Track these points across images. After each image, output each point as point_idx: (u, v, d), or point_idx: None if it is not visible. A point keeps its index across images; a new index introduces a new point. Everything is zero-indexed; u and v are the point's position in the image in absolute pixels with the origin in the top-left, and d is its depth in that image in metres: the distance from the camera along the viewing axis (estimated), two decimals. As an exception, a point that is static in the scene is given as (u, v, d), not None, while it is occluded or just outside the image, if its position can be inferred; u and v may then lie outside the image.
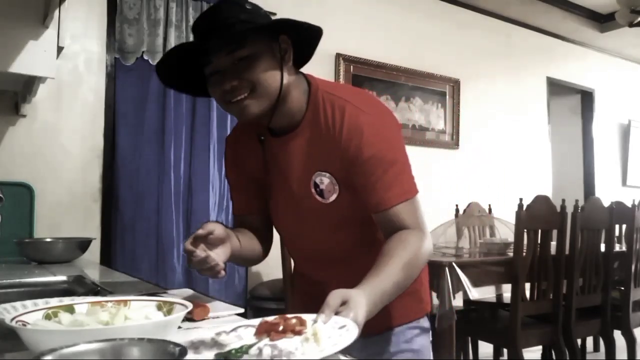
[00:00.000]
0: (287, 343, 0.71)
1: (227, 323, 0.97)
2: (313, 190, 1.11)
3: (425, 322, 1.26)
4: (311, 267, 1.27)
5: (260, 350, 0.70)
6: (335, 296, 0.81)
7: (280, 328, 0.73)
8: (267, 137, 1.15)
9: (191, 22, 3.10)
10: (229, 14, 1.02)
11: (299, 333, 0.73)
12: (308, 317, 0.77)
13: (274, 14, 3.23)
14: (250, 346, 0.71)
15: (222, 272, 0.98)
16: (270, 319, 0.79)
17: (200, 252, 0.96)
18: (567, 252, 2.65)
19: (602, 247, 2.90)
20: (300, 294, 1.38)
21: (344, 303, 0.80)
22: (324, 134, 1.07)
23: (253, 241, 1.19)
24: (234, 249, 1.05)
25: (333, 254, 1.18)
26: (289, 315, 0.77)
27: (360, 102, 1.08)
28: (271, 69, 1.03)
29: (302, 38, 1.09)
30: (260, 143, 1.16)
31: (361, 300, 0.83)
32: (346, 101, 1.07)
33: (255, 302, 3.09)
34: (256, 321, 0.80)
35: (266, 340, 0.73)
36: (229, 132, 3.14)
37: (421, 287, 1.25)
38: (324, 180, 1.09)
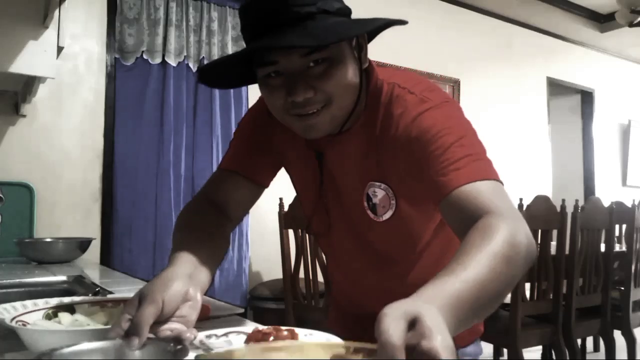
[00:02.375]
0: (275, 354, 0.71)
1: (227, 323, 0.97)
2: (365, 204, 0.92)
3: (471, 350, 1.04)
4: (351, 290, 1.09)
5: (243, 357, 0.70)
6: (393, 318, 0.48)
7: (271, 339, 0.73)
8: (326, 140, 0.90)
9: (192, 21, 3.10)
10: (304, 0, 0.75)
11: None
12: (301, 332, 0.75)
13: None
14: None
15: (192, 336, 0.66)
16: (263, 328, 0.79)
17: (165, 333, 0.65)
18: (567, 252, 2.65)
19: (602, 247, 2.89)
20: (341, 312, 1.18)
21: (410, 326, 0.49)
22: (381, 134, 0.87)
23: (220, 241, 0.91)
24: (205, 285, 0.77)
25: (378, 279, 1.00)
26: (282, 327, 0.76)
27: (422, 90, 0.87)
28: (352, 75, 0.82)
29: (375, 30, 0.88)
30: (317, 156, 0.94)
31: (434, 314, 0.51)
32: (408, 92, 0.86)
33: (256, 302, 3.09)
34: (250, 328, 0.80)
35: None
36: (232, 131, 3.17)
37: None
38: (378, 192, 0.90)
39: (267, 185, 1.02)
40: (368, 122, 0.88)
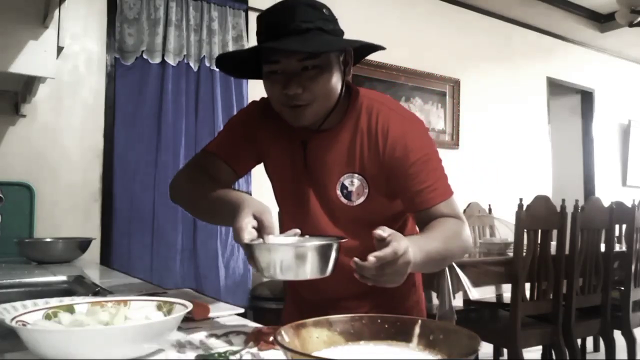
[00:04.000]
0: (273, 354, 0.71)
1: (227, 323, 0.97)
2: (339, 192, 1.12)
3: None
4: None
5: (241, 357, 0.70)
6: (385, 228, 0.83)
7: (271, 339, 0.73)
8: (311, 135, 1.13)
9: (192, 21, 3.10)
10: (307, 17, 0.99)
11: None
12: None
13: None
14: (234, 352, 0.71)
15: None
16: (264, 328, 0.79)
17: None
18: (567, 252, 2.65)
19: (602, 247, 2.89)
20: (301, 304, 1.31)
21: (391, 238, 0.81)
22: (364, 137, 1.10)
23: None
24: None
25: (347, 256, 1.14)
26: (282, 328, 0.76)
27: (400, 110, 1.13)
28: (335, 83, 1.05)
29: (362, 50, 1.12)
30: (302, 144, 1.14)
31: (412, 251, 0.84)
32: (389, 108, 1.11)
33: (256, 302, 3.09)
34: (250, 328, 0.80)
35: (253, 349, 0.73)
36: None
37: (419, 297, 1.28)
38: (354, 181, 1.11)
39: (241, 175, 1.23)
40: (352, 124, 1.11)
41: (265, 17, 1.03)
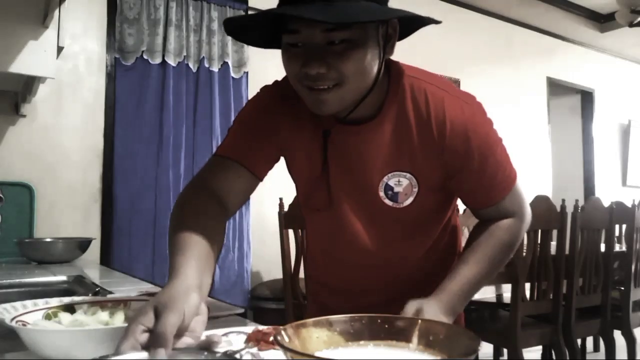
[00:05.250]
0: (273, 354, 0.71)
1: (227, 323, 0.97)
2: (382, 194, 0.95)
3: None
4: (347, 275, 1.07)
5: (241, 357, 0.70)
6: (412, 307, 0.81)
7: (271, 339, 0.73)
8: (333, 125, 0.94)
9: (191, 21, 3.10)
10: None
11: None
12: None
13: (274, 14, 3.23)
14: (234, 352, 0.71)
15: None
16: (263, 328, 0.79)
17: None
18: (567, 252, 2.65)
19: (602, 247, 2.89)
20: (317, 304, 1.18)
21: (417, 315, 0.80)
22: (412, 127, 0.91)
23: (219, 237, 0.90)
24: (206, 294, 0.75)
25: (386, 261, 1.03)
26: (282, 328, 0.76)
27: (455, 91, 0.94)
28: (370, 62, 0.82)
29: (411, 23, 0.90)
30: (324, 134, 0.95)
31: (434, 310, 0.83)
32: (442, 90, 0.92)
33: (256, 302, 3.09)
34: (250, 328, 0.80)
35: (253, 349, 0.73)
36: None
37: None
38: (402, 180, 0.93)
39: (262, 179, 1.00)
40: (395, 112, 0.91)
41: None
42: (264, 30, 0.88)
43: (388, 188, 0.94)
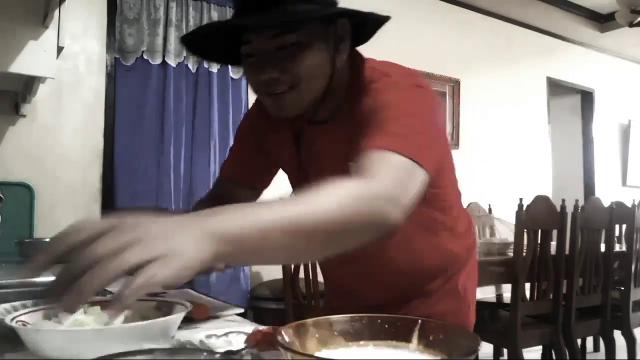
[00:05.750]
0: (273, 354, 0.71)
1: (227, 323, 0.97)
2: None
3: None
4: (342, 270, 1.10)
5: (241, 357, 0.70)
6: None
7: (271, 339, 0.73)
8: (304, 127, 0.97)
9: (191, 22, 3.11)
10: None
11: None
12: None
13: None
14: (234, 352, 0.71)
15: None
16: (263, 328, 0.79)
17: None
18: (567, 252, 2.65)
19: (602, 247, 2.89)
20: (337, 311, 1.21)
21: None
22: (363, 118, 0.87)
23: None
24: None
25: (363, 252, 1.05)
26: (282, 328, 0.76)
27: (403, 73, 0.88)
28: (321, 62, 0.85)
29: (364, 23, 0.91)
30: (296, 138, 0.99)
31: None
32: (387, 75, 0.87)
33: (256, 302, 3.09)
34: (250, 328, 0.80)
35: (253, 349, 0.73)
36: (230, 131, 3.17)
37: (467, 306, 1.07)
38: None
39: (266, 187, 1.09)
40: (354, 112, 0.89)
41: None
42: (228, 45, 0.90)
43: None
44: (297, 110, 0.88)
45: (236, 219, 0.53)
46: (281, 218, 0.57)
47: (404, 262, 1.02)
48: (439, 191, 0.99)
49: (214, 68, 3.18)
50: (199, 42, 0.91)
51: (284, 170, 1.08)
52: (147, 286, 0.44)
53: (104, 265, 0.43)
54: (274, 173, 1.10)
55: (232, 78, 3.26)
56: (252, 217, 0.54)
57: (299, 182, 1.01)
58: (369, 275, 1.05)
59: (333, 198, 0.62)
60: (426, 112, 0.84)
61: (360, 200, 0.64)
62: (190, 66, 3.11)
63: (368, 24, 0.92)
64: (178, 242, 0.47)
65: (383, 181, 0.69)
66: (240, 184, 1.07)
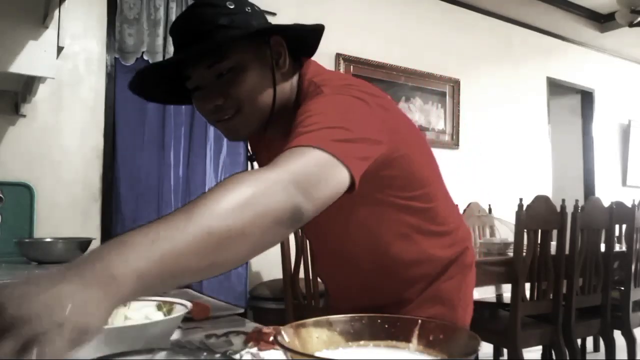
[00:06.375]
0: (273, 354, 0.71)
1: (227, 323, 0.97)
2: None
3: None
4: (332, 281, 1.17)
5: (241, 357, 0.70)
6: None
7: (271, 339, 0.73)
8: (255, 146, 1.07)
9: (191, 22, 3.11)
10: (205, 18, 0.85)
11: None
12: None
13: (274, 14, 3.22)
14: (234, 352, 0.71)
15: None
16: (264, 328, 0.79)
17: None
18: (567, 252, 2.65)
19: (602, 247, 2.89)
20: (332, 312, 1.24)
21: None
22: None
23: None
24: None
25: (343, 271, 1.09)
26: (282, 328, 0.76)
27: (338, 84, 0.87)
28: (261, 82, 0.88)
29: (299, 36, 0.92)
30: (248, 159, 1.09)
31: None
32: (317, 87, 0.87)
33: (256, 302, 3.09)
34: (250, 328, 0.80)
35: (253, 349, 0.73)
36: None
37: (453, 312, 1.07)
38: None
39: None
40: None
41: (171, 31, 0.90)
42: (175, 86, 0.93)
43: None
44: (247, 132, 0.90)
45: (133, 258, 0.48)
46: (190, 243, 0.53)
47: (383, 268, 1.02)
48: (432, 205, 1.00)
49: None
50: (149, 87, 0.94)
51: None
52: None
53: None
54: None
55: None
56: (147, 253, 0.50)
57: None
58: (348, 284, 1.09)
59: (226, 203, 0.58)
60: (354, 114, 0.80)
61: (255, 197, 0.60)
62: (190, 66, 3.11)
63: (307, 36, 0.93)
64: (54, 312, 0.40)
65: (284, 168, 0.65)
66: None
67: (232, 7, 0.86)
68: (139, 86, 0.92)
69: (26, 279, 0.41)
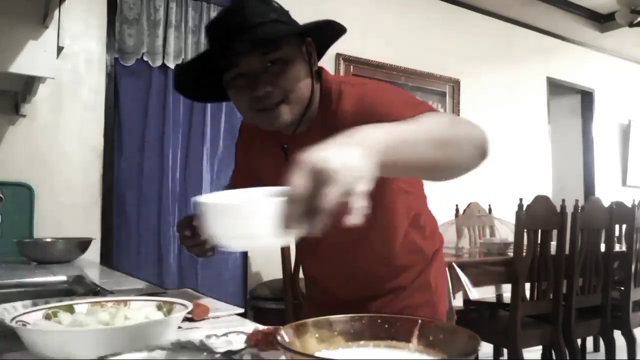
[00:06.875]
0: (273, 354, 0.71)
1: (227, 323, 0.97)
2: None
3: None
4: (323, 270, 1.22)
5: (241, 357, 0.70)
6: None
7: (271, 339, 0.73)
8: (289, 139, 1.07)
9: (190, 23, 3.10)
10: (258, 12, 0.93)
11: None
12: None
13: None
14: (234, 352, 0.71)
15: (210, 252, 1.05)
16: (263, 328, 0.79)
17: (187, 232, 1.02)
18: (567, 252, 2.65)
19: (602, 247, 2.90)
20: (315, 303, 1.31)
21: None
22: (333, 129, 0.93)
23: None
24: None
25: (342, 260, 1.14)
26: (282, 328, 0.76)
27: (364, 81, 1.03)
28: (303, 74, 0.97)
29: (323, 38, 1.03)
30: (283, 150, 1.08)
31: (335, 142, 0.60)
32: (347, 84, 1.01)
33: (255, 302, 3.09)
34: (250, 328, 0.80)
35: (253, 349, 0.73)
36: (221, 134, 3.17)
37: (437, 298, 1.19)
38: None
39: None
40: (324, 119, 1.00)
41: (214, 24, 0.96)
42: (205, 84, 1.02)
43: None
44: (289, 120, 0.96)
45: (387, 139, 0.63)
46: (423, 132, 0.70)
47: (379, 259, 1.13)
48: (422, 197, 1.16)
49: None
50: (189, 84, 1.03)
51: (266, 180, 1.17)
52: (361, 202, 0.55)
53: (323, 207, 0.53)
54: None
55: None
56: (397, 136, 0.65)
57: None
58: (344, 273, 1.16)
59: (447, 120, 0.79)
60: (399, 90, 1.01)
61: (468, 125, 0.79)
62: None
63: (325, 38, 1.04)
64: (355, 167, 0.55)
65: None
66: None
67: (277, 5, 0.97)
68: (182, 84, 1.02)
69: (320, 148, 0.57)
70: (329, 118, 0.99)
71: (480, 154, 0.78)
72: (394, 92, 0.99)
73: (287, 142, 1.06)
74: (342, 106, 0.98)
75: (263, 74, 0.93)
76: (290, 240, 0.59)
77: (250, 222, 0.57)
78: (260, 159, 1.17)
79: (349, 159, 0.56)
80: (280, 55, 0.93)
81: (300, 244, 1.23)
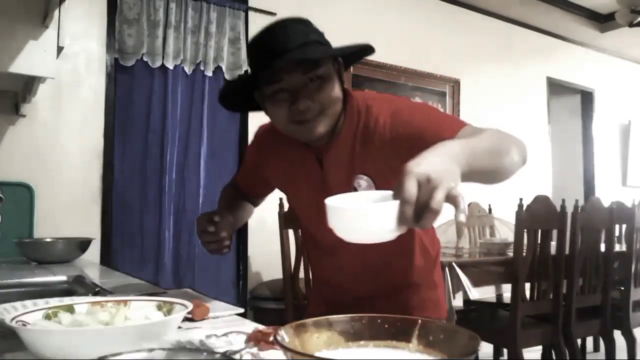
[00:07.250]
0: (273, 354, 0.71)
1: (227, 323, 0.97)
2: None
3: None
4: (343, 270, 1.26)
5: (241, 357, 0.70)
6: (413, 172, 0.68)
7: (271, 338, 0.73)
8: (320, 151, 1.15)
9: (190, 23, 3.10)
10: (301, 32, 1.02)
11: None
12: None
13: (274, 14, 3.23)
14: (234, 352, 0.71)
15: (226, 249, 1.19)
16: (263, 328, 0.79)
17: (211, 228, 1.14)
18: (567, 252, 2.65)
19: (602, 247, 2.90)
20: (324, 302, 1.36)
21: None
22: (361, 136, 1.10)
23: (246, 206, 1.40)
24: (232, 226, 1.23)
25: (365, 259, 1.20)
26: (282, 328, 0.76)
27: (387, 97, 1.16)
28: (337, 90, 1.07)
29: (352, 58, 1.17)
30: (318, 160, 1.16)
31: (430, 153, 0.73)
32: (378, 100, 1.13)
33: (256, 302, 3.09)
34: (250, 328, 0.80)
35: (253, 349, 0.73)
36: (219, 135, 3.17)
37: (441, 297, 1.30)
38: (362, 183, 1.12)
39: (263, 198, 1.43)
40: (353, 132, 1.11)
41: (257, 43, 1.04)
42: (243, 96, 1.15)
43: (353, 190, 1.14)
44: (325, 131, 1.07)
45: (463, 150, 0.77)
46: (486, 145, 0.85)
47: (396, 260, 1.22)
48: None
49: (209, 71, 3.16)
50: (233, 98, 1.18)
51: (292, 191, 1.28)
52: (461, 201, 0.68)
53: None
54: (268, 193, 1.41)
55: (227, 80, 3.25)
56: (468, 148, 0.79)
57: (318, 190, 1.16)
58: (360, 270, 1.23)
59: (497, 133, 0.94)
60: (429, 106, 1.18)
61: (512, 137, 0.96)
62: (186, 69, 3.10)
63: (353, 58, 1.18)
64: (450, 173, 0.69)
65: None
66: (246, 193, 1.40)
67: (314, 27, 1.08)
68: (228, 99, 1.17)
69: (420, 159, 0.70)
70: (359, 131, 1.10)
71: (523, 160, 0.96)
72: (423, 106, 1.15)
73: (316, 153, 1.16)
74: (376, 119, 1.09)
75: (303, 89, 1.02)
76: (400, 234, 0.70)
77: (372, 222, 0.68)
78: (284, 169, 1.25)
79: (447, 167, 0.70)
80: (319, 73, 1.03)
81: (316, 245, 1.29)
